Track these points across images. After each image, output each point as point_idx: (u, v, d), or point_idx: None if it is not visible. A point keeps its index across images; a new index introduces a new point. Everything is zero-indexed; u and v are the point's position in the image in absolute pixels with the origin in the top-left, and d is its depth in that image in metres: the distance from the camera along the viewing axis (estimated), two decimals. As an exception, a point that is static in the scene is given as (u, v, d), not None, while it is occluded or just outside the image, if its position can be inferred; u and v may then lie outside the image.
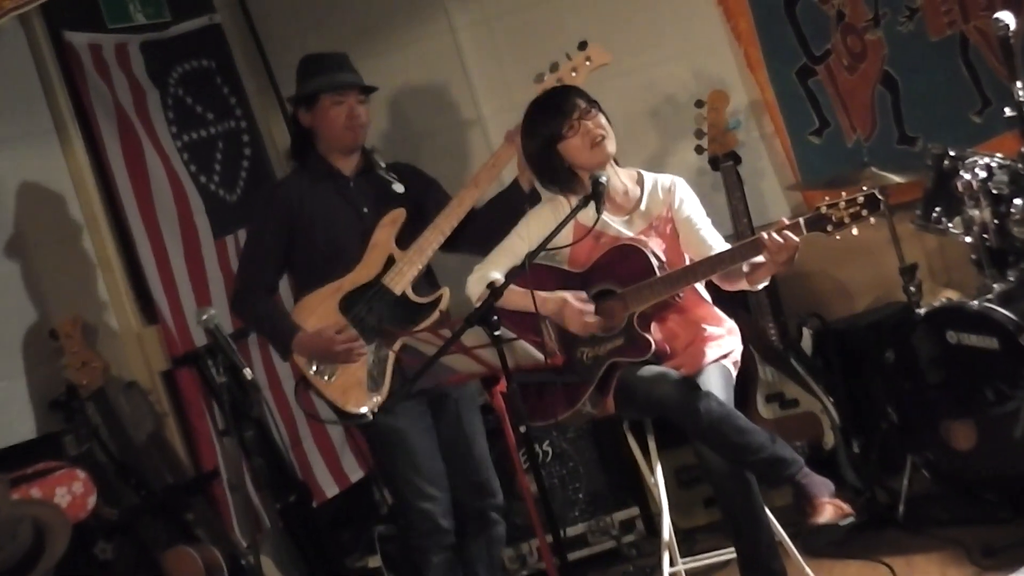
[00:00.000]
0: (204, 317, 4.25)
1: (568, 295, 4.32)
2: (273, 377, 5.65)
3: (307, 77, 4.66)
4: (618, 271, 4.29)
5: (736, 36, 5.59)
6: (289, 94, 4.83)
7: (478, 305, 3.99)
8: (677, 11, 5.66)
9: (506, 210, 4.60)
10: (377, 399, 4.50)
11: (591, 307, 4.30)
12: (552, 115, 4.34)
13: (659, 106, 5.69)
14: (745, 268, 4.20)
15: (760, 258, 4.09)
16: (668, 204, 4.39)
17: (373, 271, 4.58)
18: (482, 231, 4.60)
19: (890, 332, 4.88)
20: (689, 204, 4.40)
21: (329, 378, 4.53)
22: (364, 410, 4.48)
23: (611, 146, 4.34)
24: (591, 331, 4.28)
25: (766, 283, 4.26)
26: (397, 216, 4.60)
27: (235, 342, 4.35)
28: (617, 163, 4.44)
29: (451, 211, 4.59)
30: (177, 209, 5.49)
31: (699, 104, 5.31)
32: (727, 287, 4.33)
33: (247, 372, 4.16)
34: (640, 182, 4.46)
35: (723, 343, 4.30)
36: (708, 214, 4.44)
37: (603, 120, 4.35)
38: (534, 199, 4.63)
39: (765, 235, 4.02)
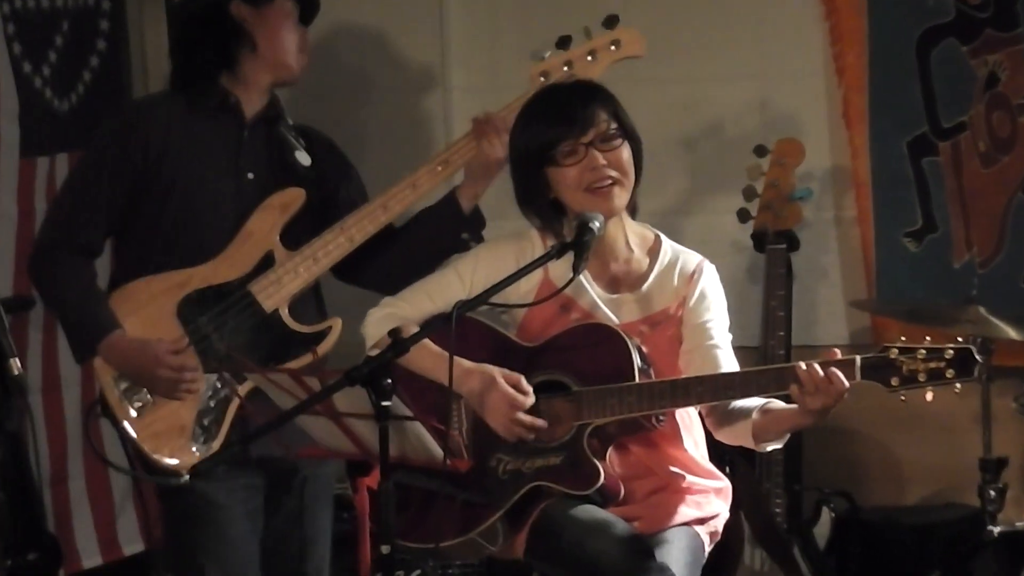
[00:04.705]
0: (-28, 269, 4.25)
1: (500, 374, 4.31)
2: (52, 378, 5.67)
3: None
4: (580, 360, 4.28)
5: (838, 70, 5.67)
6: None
7: (371, 354, 3.98)
8: (760, 14, 5.72)
9: (434, 236, 4.66)
10: (200, 455, 4.50)
11: (529, 401, 4.30)
12: (555, 121, 4.30)
13: (702, 140, 5.76)
14: (755, 414, 4.20)
15: (777, 403, 4.10)
16: (682, 297, 4.37)
17: (239, 270, 4.60)
18: (397, 260, 4.66)
19: (945, 545, 4.95)
20: (710, 305, 4.36)
21: (141, 410, 4.53)
22: (178, 463, 4.47)
23: (620, 198, 4.31)
24: (519, 436, 4.29)
25: (779, 445, 4.27)
26: (291, 199, 4.63)
27: (9, 314, 4.31)
28: (632, 213, 4.44)
29: (370, 213, 4.62)
30: (-22, 103, 5.50)
31: (760, 151, 5.37)
32: (723, 436, 4.31)
33: (15, 364, 4.15)
34: (654, 251, 4.45)
35: (703, 503, 4.31)
36: (733, 312, 4.43)
37: (625, 156, 4.31)
38: (476, 224, 4.68)
39: (802, 365, 4.01)
